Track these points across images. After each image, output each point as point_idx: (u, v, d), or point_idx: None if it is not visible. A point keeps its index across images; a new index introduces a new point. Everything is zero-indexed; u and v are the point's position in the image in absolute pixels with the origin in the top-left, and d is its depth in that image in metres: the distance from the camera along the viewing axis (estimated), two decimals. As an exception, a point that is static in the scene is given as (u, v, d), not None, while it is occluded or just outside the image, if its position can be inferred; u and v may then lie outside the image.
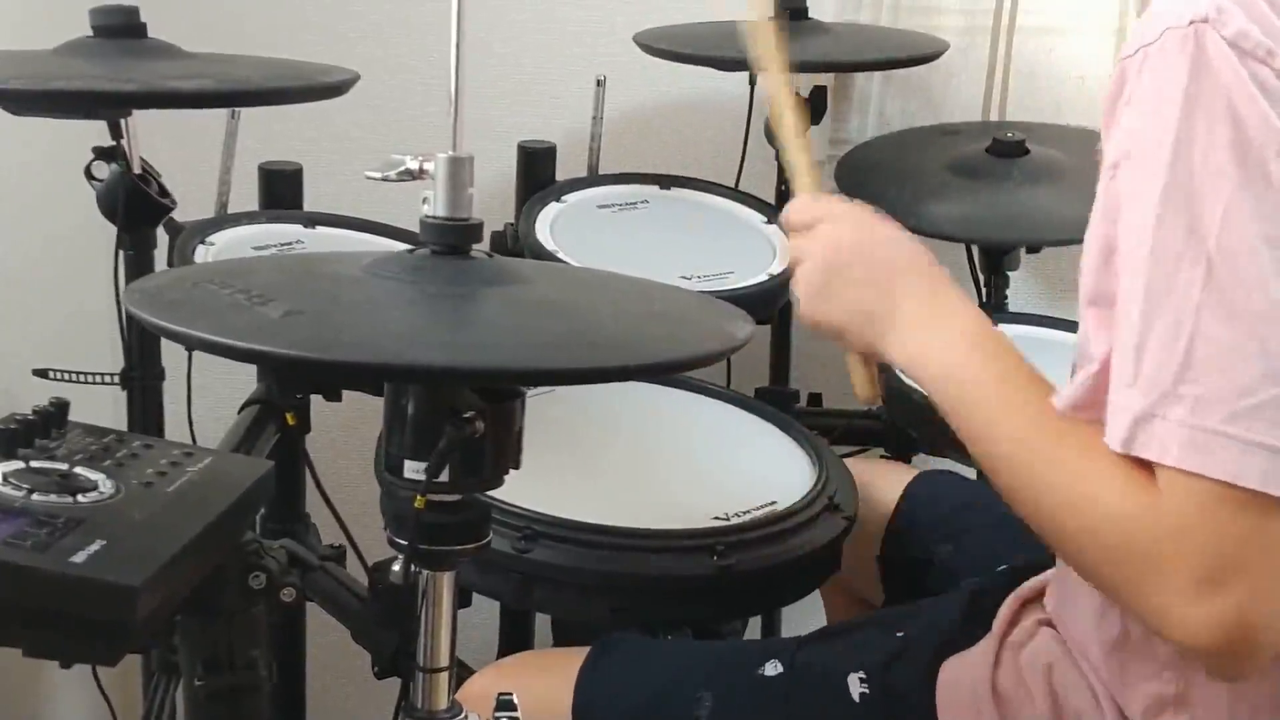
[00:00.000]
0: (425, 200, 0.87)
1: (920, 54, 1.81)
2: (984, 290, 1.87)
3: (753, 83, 1.91)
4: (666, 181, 1.83)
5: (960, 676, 1.10)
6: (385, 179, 0.89)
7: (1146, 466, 0.85)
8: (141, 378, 1.52)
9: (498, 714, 0.93)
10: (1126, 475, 0.86)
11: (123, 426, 1.45)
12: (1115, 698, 1.01)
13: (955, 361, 0.99)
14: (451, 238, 0.87)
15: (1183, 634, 0.82)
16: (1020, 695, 1.06)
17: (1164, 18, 0.88)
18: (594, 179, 1.81)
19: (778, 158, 1.91)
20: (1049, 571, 1.12)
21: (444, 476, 0.84)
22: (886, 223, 1.09)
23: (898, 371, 1.56)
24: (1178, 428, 0.82)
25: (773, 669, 1.15)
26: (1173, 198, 0.85)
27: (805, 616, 1.54)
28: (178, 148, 1.59)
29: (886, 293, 1.04)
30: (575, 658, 1.20)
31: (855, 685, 1.12)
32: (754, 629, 1.66)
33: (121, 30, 1.37)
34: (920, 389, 1.03)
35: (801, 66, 1.85)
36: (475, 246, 0.89)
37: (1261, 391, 0.81)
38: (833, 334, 1.07)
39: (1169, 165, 0.85)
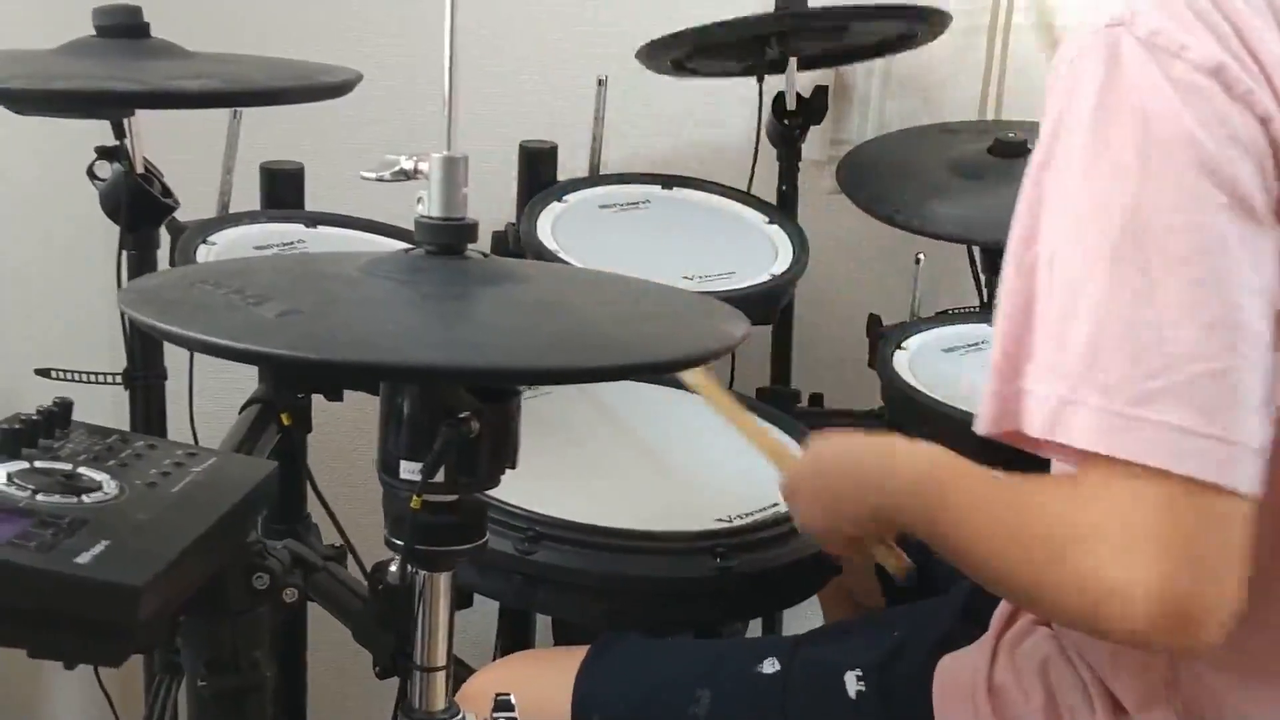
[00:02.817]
0: (420, 200, 0.88)
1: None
2: (985, 290, 1.87)
3: (760, 80, 1.91)
4: (668, 181, 1.83)
5: (957, 673, 1.10)
6: (380, 179, 0.89)
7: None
8: (144, 377, 1.52)
9: (495, 714, 0.93)
10: (1066, 481, 0.89)
11: (125, 426, 1.45)
12: (1110, 689, 1.02)
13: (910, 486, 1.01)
14: (446, 237, 0.87)
15: (1121, 605, 0.83)
16: (1015, 691, 1.07)
17: (1086, 27, 0.90)
18: (595, 179, 1.81)
19: (779, 158, 1.92)
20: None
21: (440, 477, 0.84)
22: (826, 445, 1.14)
23: (897, 370, 1.59)
24: (1094, 413, 0.85)
25: (770, 667, 1.16)
26: (1086, 196, 0.87)
27: (806, 619, 1.54)
28: (180, 147, 1.59)
29: (861, 465, 1.08)
30: (575, 656, 1.20)
31: (852, 683, 1.13)
32: (754, 631, 1.66)
33: (124, 30, 1.37)
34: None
35: (802, 64, 1.86)
36: (471, 246, 0.89)
37: (1164, 376, 0.83)
38: (847, 527, 1.10)
39: (1082, 166, 0.87)
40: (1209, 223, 0.84)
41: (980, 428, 0.93)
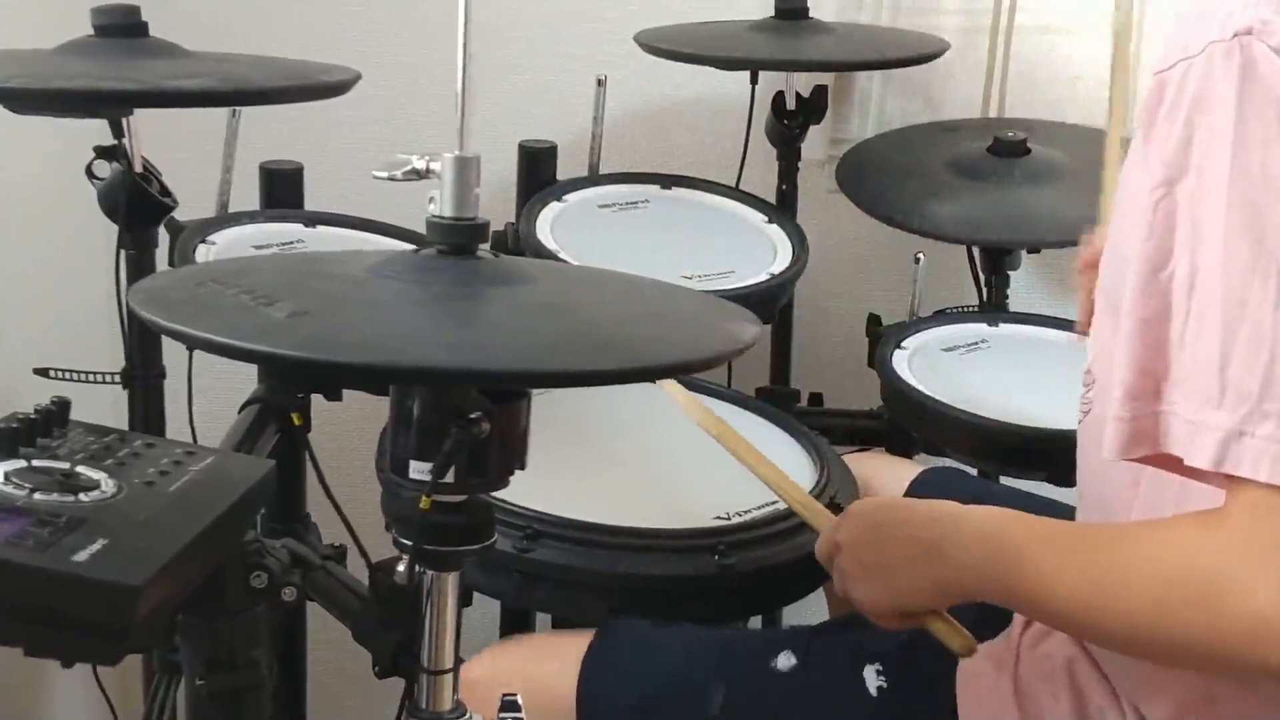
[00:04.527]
0: (431, 200, 0.87)
1: (920, 53, 1.81)
2: (984, 290, 1.87)
3: (754, 81, 1.91)
4: (667, 181, 1.84)
5: (979, 672, 1.09)
6: (391, 179, 0.88)
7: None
8: (143, 377, 1.52)
9: (502, 715, 0.92)
10: (1196, 517, 0.87)
11: (124, 425, 1.45)
12: (1137, 703, 1.01)
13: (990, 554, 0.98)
14: (458, 237, 0.87)
15: None
16: (1042, 691, 1.06)
17: (1204, 31, 0.87)
18: (595, 178, 1.81)
19: (779, 158, 1.92)
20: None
21: (449, 477, 0.84)
22: (880, 503, 1.11)
23: (897, 370, 1.58)
24: (1267, 444, 0.82)
25: (785, 661, 1.15)
26: (1237, 212, 0.85)
27: (805, 616, 1.54)
28: (179, 147, 1.59)
29: (918, 538, 1.03)
30: (576, 642, 1.19)
31: (873, 678, 1.12)
32: (754, 627, 1.66)
33: (123, 29, 1.36)
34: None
35: (802, 66, 1.86)
36: (480, 246, 0.89)
37: None
38: (903, 601, 1.05)
39: (1229, 181, 0.85)
40: None
41: (1111, 454, 0.90)
